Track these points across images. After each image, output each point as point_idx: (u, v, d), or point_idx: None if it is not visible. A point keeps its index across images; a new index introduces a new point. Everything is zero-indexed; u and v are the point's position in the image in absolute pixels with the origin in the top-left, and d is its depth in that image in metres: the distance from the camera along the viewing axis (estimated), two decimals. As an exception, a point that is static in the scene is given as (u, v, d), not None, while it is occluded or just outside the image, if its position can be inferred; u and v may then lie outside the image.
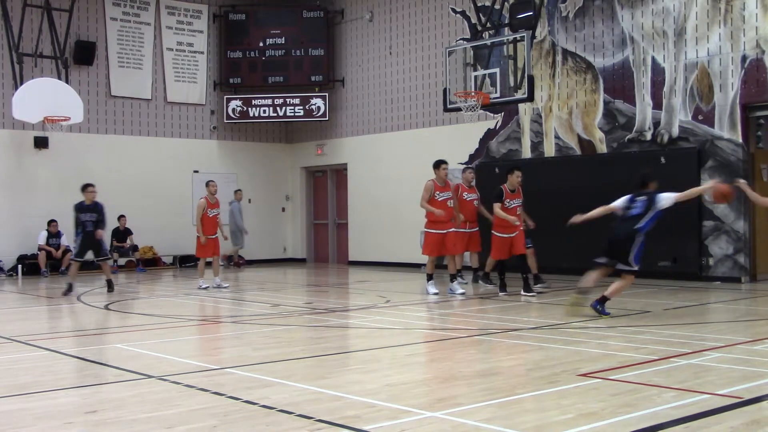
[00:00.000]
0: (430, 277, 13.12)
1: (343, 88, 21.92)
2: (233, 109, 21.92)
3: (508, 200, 12.62)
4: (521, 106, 17.33)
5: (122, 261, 20.08)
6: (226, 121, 22.05)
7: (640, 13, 15.74)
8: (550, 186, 16.15)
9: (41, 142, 19.30)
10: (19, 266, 18.90)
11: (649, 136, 15.60)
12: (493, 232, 12.91)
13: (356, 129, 21.65)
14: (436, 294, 12.81)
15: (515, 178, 12.65)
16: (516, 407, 5.42)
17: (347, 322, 10.44)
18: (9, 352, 8.20)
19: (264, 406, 5.44)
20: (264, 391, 5.96)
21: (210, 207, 15.19)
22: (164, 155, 21.17)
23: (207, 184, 15.48)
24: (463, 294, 12.82)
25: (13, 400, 5.85)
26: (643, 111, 15.69)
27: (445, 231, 12.81)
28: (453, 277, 13.22)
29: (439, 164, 13.01)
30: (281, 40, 21.95)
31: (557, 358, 7.23)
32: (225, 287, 14.93)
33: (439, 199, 12.81)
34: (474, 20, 17.24)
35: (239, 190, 21.50)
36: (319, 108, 21.80)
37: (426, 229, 12.95)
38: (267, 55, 22.01)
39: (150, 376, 6.57)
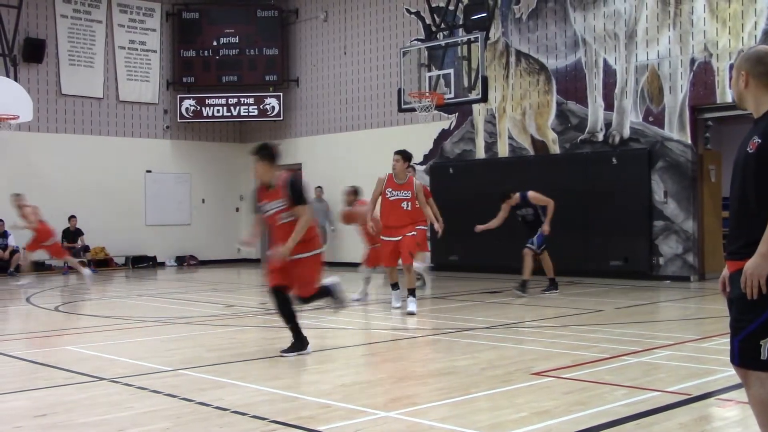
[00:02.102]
0: (394, 287, 11.01)
1: (298, 88, 21.85)
2: (186, 109, 21.72)
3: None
4: (475, 107, 17.43)
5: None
6: (179, 120, 21.84)
7: (592, 16, 15.93)
8: (503, 186, 16.21)
9: (-11, 141, 18.97)
10: (-34, 267, 18.55)
11: (600, 137, 15.79)
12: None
13: (311, 129, 21.58)
14: (397, 308, 10.90)
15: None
16: (470, 406, 5.45)
17: (301, 323, 10.37)
18: (-45, 355, 8.02)
19: (218, 408, 5.40)
20: (218, 392, 5.91)
21: None
22: (116, 155, 20.88)
23: None
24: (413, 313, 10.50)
25: (-41, 404, 5.73)
26: (595, 112, 15.87)
27: (397, 238, 10.50)
28: (411, 292, 10.56)
29: (407, 157, 10.87)
30: (235, 40, 21.81)
31: (511, 357, 7.29)
32: None
33: (391, 198, 10.65)
34: (428, 21, 17.28)
35: (319, 187, 20.20)
36: (273, 108, 21.70)
37: (381, 237, 10.79)
38: (221, 54, 21.85)
39: (102, 379, 6.48)
